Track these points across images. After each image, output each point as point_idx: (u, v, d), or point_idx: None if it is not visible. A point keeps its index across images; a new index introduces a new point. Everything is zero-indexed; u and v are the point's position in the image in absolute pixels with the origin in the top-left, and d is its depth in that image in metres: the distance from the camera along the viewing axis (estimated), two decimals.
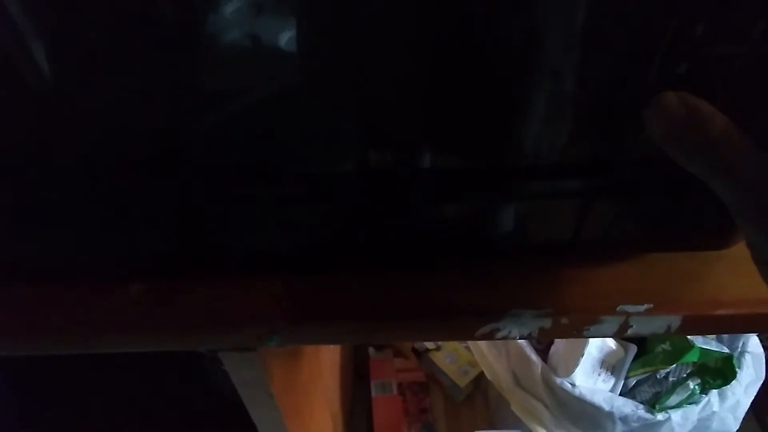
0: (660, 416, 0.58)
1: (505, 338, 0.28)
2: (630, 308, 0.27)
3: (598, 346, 0.61)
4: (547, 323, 0.27)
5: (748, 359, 0.61)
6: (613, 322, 0.27)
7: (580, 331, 0.27)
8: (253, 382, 0.32)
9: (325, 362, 0.60)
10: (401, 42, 0.21)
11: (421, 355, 0.97)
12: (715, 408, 0.60)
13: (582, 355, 0.59)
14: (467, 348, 0.94)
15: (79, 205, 0.26)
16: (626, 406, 0.58)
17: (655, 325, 0.27)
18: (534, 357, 0.62)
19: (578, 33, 0.20)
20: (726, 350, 0.60)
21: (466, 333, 0.28)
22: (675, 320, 0.27)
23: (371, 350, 0.99)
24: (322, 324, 0.27)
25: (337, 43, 0.21)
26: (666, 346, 0.60)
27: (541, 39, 0.21)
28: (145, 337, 0.27)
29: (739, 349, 0.61)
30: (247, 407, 0.35)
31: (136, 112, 0.23)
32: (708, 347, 0.59)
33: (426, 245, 0.29)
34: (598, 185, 0.26)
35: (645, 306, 0.27)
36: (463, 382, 0.92)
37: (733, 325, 0.28)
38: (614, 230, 0.27)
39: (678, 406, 0.60)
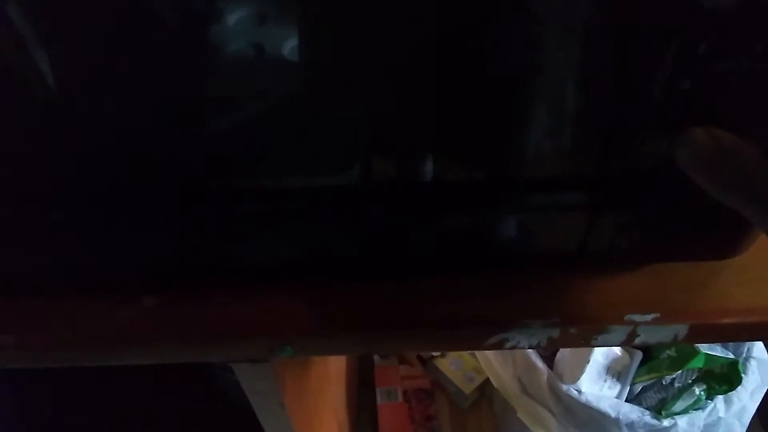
0: (666, 422, 0.58)
1: (513, 348, 0.28)
2: (637, 318, 0.27)
3: (603, 353, 0.61)
4: (555, 333, 0.27)
5: (753, 365, 0.61)
6: (620, 332, 0.27)
7: (588, 341, 0.28)
8: (265, 392, 0.32)
9: (332, 370, 0.61)
10: (406, 51, 0.21)
11: (426, 362, 0.97)
12: (721, 414, 0.60)
13: (588, 362, 0.60)
14: (472, 355, 0.94)
15: (91, 218, 0.26)
16: (632, 413, 0.58)
17: (662, 334, 0.28)
18: (540, 364, 0.62)
19: (583, 47, 0.21)
20: (731, 356, 0.60)
21: (475, 343, 0.28)
22: (682, 329, 0.28)
23: (376, 357, 0.99)
24: (334, 335, 0.28)
25: (340, 53, 0.21)
26: (671, 352, 0.60)
27: (547, 53, 0.21)
28: (158, 349, 0.28)
29: (744, 355, 0.62)
30: (258, 417, 0.35)
31: (144, 124, 0.23)
32: (713, 353, 0.59)
33: (435, 256, 0.29)
34: (605, 197, 0.26)
35: (652, 315, 0.27)
36: (468, 388, 0.92)
37: (739, 334, 0.28)
38: (621, 241, 0.27)
39: (684, 411, 0.60)
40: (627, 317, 0.27)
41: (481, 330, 0.28)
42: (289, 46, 0.20)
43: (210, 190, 0.26)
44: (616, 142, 0.24)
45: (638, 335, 0.28)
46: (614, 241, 0.27)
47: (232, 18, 0.20)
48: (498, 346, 0.28)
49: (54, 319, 0.28)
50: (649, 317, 0.27)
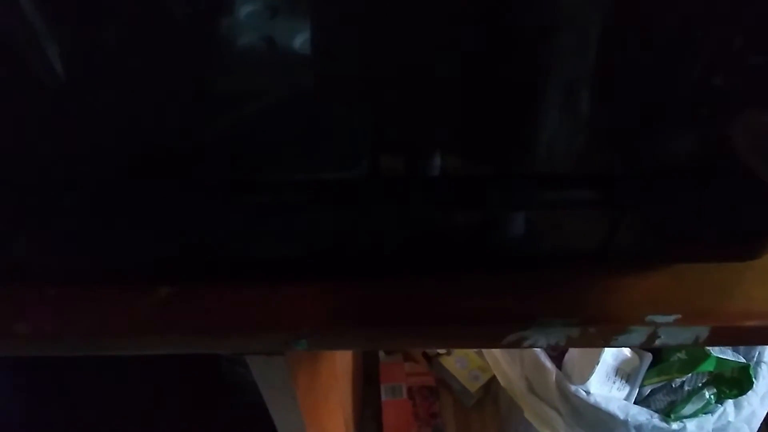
0: (675, 425, 0.57)
1: (531, 347, 0.28)
2: (659, 319, 0.27)
3: (613, 354, 0.61)
4: (575, 332, 0.27)
5: (764, 369, 0.60)
6: (641, 332, 0.27)
7: (607, 341, 0.27)
8: (278, 385, 0.32)
9: (339, 366, 0.60)
10: (419, 45, 0.21)
11: (431, 359, 0.97)
12: (731, 418, 0.59)
13: (597, 363, 0.59)
14: (478, 353, 0.94)
15: (108, 209, 0.26)
16: (641, 415, 0.58)
17: (684, 335, 0.27)
18: (548, 364, 0.62)
19: (611, 41, 0.20)
20: (742, 360, 0.60)
21: (492, 341, 0.28)
22: (703, 331, 0.27)
23: (381, 354, 0.99)
24: (350, 329, 0.28)
25: (352, 47, 0.21)
26: (682, 354, 0.60)
27: (571, 47, 0.21)
28: (174, 340, 0.28)
29: (756, 359, 0.61)
30: (270, 410, 0.35)
31: (157, 117, 0.23)
32: (724, 357, 0.59)
33: (454, 253, 0.29)
34: (629, 196, 0.26)
35: (673, 316, 0.27)
36: (473, 387, 0.92)
37: (761, 337, 0.28)
38: (643, 240, 0.27)
39: (693, 415, 0.59)
40: (648, 318, 0.27)
41: (498, 328, 0.27)
42: (300, 39, 0.20)
43: (226, 182, 0.26)
44: (641, 140, 0.24)
45: (659, 336, 0.27)
46: (637, 241, 0.27)
47: (244, 11, 0.19)
48: (516, 344, 0.28)
49: (69, 308, 0.28)
50: (670, 318, 0.27)
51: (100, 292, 0.28)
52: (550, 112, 0.23)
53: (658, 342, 0.27)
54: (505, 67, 0.21)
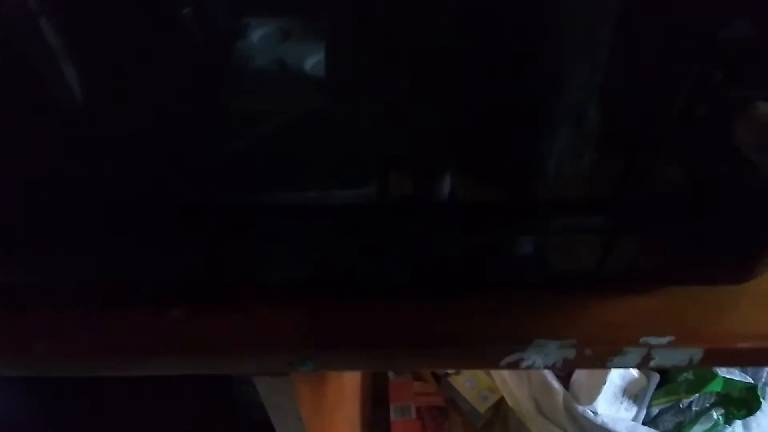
0: None
1: (529, 368, 0.29)
2: (653, 340, 0.27)
3: (620, 375, 0.61)
4: (570, 354, 0.28)
5: None
6: (636, 354, 0.28)
7: (603, 362, 0.28)
8: (284, 405, 0.33)
9: (347, 385, 0.61)
10: (428, 70, 0.21)
11: (440, 379, 0.97)
12: None
13: (604, 384, 0.59)
14: (487, 373, 0.94)
15: (122, 233, 0.27)
16: None
17: (678, 357, 0.28)
18: (556, 384, 0.62)
19: (604, 73, 0.21)
20: (750, 380, 0.59)
21: (490, 362, 0.29)
22: (697, 353, 0.28)
23: (391, 373, 0.99)
24: (353, 350, 0.28)
25: (363, 70, 0.22)
26: (689, 375, 0.60)
27: (567, 77, 0.22)
28: (184, 361, 0.29)
29: (764, 380, 0.61)
30: (276, 430, 0.35)
31: (168, 141, 0.24)
32: (732, 377, 0.58)
33: (452, 275, 0.30)
34: (623, 219, 0.26)
35: (667, 338, 0.27)
36: (482, 407, 0.92)
37: (755, 359, 0.28)
38: (638, 263, 0.28)
39: None
40: (642, 339, 0.27)
41: (497, 349, 0.28)
42: (311, 62, 0.21)
43: (235, 207, 0.27)
44: (634, 165, 0.25)
45: (653, 358, 0.28)
46: (631, 263, 0.28)
47: (256, 35, 0.20)
48: (514, 365, 0.28)
49: (86, 329, 0.29)
50: (664, 340, 0.27)
51: (115, 313, 0.29)
52: (549, 141, 0.24)
53: (652, 363, 0.28)
54: (505, 98, 0.22)
